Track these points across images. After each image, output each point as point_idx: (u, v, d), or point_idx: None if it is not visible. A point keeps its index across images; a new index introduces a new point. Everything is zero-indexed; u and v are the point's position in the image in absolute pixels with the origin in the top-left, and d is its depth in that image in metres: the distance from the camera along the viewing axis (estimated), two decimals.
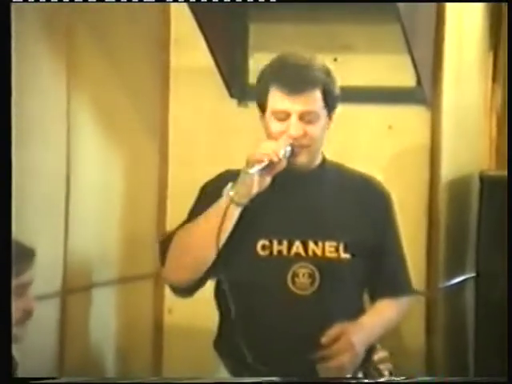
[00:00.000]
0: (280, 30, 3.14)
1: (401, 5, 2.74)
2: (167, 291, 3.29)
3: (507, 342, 2.20)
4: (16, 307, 1.99)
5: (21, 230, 2.31)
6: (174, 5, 3.19)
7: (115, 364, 3.17)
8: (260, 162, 2.16)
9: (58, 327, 2.86)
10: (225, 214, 2.18)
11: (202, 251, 2.21)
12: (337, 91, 2.29)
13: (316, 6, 3.06)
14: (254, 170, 2.16)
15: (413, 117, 3.06)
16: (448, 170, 3.11)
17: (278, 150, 2.19)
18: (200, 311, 2.91)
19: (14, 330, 1.84)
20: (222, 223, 2.17)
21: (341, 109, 3.07)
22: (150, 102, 3.29)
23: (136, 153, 3.22)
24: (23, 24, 2.53)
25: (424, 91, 3.01)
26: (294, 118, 2.22)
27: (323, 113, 2.26)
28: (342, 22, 3.07)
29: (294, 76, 2.23)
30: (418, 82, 3.02)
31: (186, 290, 2.32)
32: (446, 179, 3.09)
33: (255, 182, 2.19)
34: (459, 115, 3.22)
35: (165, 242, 2.34)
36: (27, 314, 2.02)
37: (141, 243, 3.26)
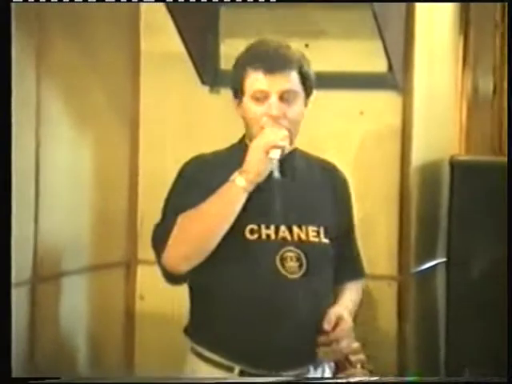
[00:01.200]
0: (251, 16, 3.13)
1: None
2: (139, 277, 3.30)
3: (507, 342, 2.20)
4: None
5: None
6: None
7: (87, 352, 3.15)
8: (278, 147, 2.16)
9: (28, 315, 2.85)
10: (237, 202, 2.17)
11: (208, 238, 2.18)
12: (312, 75, 2.28)
13: None
14: (277, 154, 2.15)
15: (384, 102, 3.07)
16: (419, 155, 3.12)
17: (286, 136, 2.19)
18: (171, 297, 2.91)
19: None
20: (233, 210, 2.17)
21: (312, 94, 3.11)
22: (120, 87, 3.27)
23: (107, 138, 3.21)
24: None
25: (395, 77, 3.02)
26: (273, 98, 2.20)
27: (302, 95, 2.25)
28: (313, 7, 3.07)
29: (271, 55, 2.21)
30: (390, 67, 3.02)
31: (182, 277, 2.27)
32: (416, 164, 3.11)
33: (266, 168, 2.18)
34: (430, 100, 3.23)
35: (159, 229, 2.28)
36: None
37: (112, 229, 3.25)
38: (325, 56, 3.06)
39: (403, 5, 3.00)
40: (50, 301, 2.97)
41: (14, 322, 2.73)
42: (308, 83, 2.26)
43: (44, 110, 2.86)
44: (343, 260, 2.35)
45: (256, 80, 2.21)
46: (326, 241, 2.28)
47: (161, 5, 3.01)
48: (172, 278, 2.27)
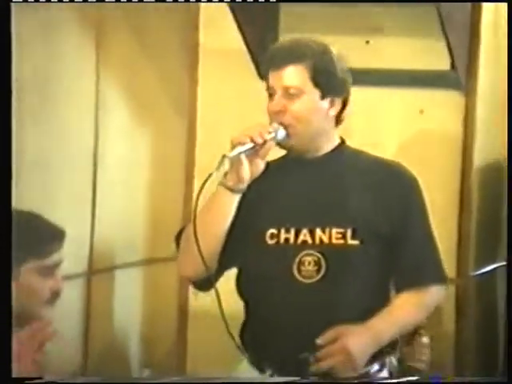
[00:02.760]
0: (311, 12, 3.10)
1: None
2: None
3: (507, 342, 2.15)
4: (44, 287, 1.98)
5: (49, 209, 2.30)
6: None
7: (139, 345, 3.16)
8: (242, 144, 2.11)
9: (83, 307, 2.86)
10: (218, 202, 2.15)
11: (204, 242, 2.15)
12: (336, 74, 2.20)
13: None
14: (234, 152, 2.11)
15: (446, 101, 3.02)
16: (480, 156, 3.06)
17: (263, 132, 2.13)
18: (224, 295, 2.89)
19: (43, 311, 1.83)
20: (222, 213, 2.15)
21: (372, 92, 3.06)
22: (178, 82, 3.27)
23: (164, 133, 3.21)
24: None
25: (458, 75, 2.96)
26: (277, 94, 2.18)
27: (312, 91, 2.18)
28: (375, 4, 3.02)
29: (279, 52, 2.20)
30: (453, 65, 2.96)
31: (203, 284, 2.26)
32: (478, 165, 3.05)
33: (244, 166, 2.14)
34: (494, 101, 3.16)
35: (178, 235, 2.29)
36: (55, 295, 2.01)
37: (167, 225, 3.24)
38: (386, 53, 3.02)
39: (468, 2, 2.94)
40: (104, 294, 2.98)
41: (69, 314, 2.76)
42: (324, 80, 2.19)
43: (102, 104, 2.87)
44: (397, 266, 2.26)
45: (268, 78, 2.21)
46: (354, 242, 2.20)
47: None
48: (193, 283, 2.30)
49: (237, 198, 2.18)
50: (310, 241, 2.19)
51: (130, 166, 3.06)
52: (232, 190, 2.17)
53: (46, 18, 2.57)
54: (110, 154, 2.92)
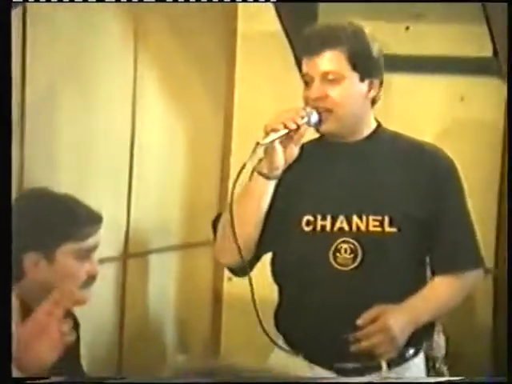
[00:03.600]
0: None
1: None
2: None
3: (507, 342, 2.12)
4: (81, 271, 1.98)
5: (87, 194, 2.30)
6: None
7: (174, 330, 3.16)
8: (275, 130, 2.10)
9: (118, 290, 2.87)
10: (253, 189, 2.14)
11: (241, 229, 2.15)
12: (372, 55, 2.18)
13: None
14: (267, 140, 2.09)
15: (487, 89, 2.97)
16: None
17: (296, 117, 2.11)
18: (260, 280, 2.88)
19: (79, 293, 1.83)
20: (258, 199, 2.13)
21: (412, 78, 3.02)
22: (216, 69, 3.25)
23: (200, 120, 3.20)
24: None
25: (500, 62, 2.90)
26: (316, 80, 2.15)
27: (351, 75, 2.16)
28: None
29: (313, 39, 2.17)
30: (495, 52, 2.91)
31: (239, 270, 2.27)
32: None
33: (278, 152, 2.13)
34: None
35: (215, 222, 2.30)
36: (91, 278, 2.01)
37: (202, 210, 3.24)
38: (426, 39, 2.99)
39: None
40: (140, 278, 2.98)
41: (104, 297, 2.76)
42: (362, 64, 2.16)
43: (140, 92, 2.86)
44: (435, 250, 2.24)
45: (303, 64, 2.19)
46: (392, 230, 2.18)
47: None
48: (230, 269, 2.32)
49: (272, 184, 2.17)
50: (346, 228, 2.18)
51: (166, 152, 3.06)
52: (267, 177, 2.16)
53: (83, 11, 2.57)
54: (146, 140, 2.92)
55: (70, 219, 1.98)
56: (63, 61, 2.55)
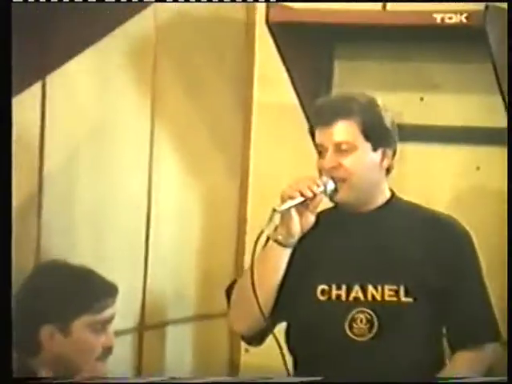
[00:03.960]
0: (366, 68, 3.10)
1: (492, 43, 2.68)
2: None
3: (507, 341, 2.10)
4: (97, 343, 1.97)
5: (103, 264, 2.31)
6: (259, 41, 3.18)
7: None
8: (292, 198, 2.11)
9: (134, 363, 2.85)
10: (269, 256, 2.15)
11: (257, 299, 2.14)
12: (385, 125, 2.20)
13: (403, 44, 3.03)
14: (284, 207, 2.10)
15: (503, 159, 2.97)
16: None
17: (312, 185, 2.13)
18: (277, 351, 2.85)
19: (96, 367, 1.82)
20: (273, 268, 2.13)
21: (427, 149, 3.04)
22: (231, 138, 3.28)
23: (216, 188, 3.21)
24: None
25: None
26: (329, 151, 2.17)
27: (364, 145, 2.18)
28: (429, 60, 3.02)
29: (326, 109, 2.20)
30: (510, 122, 2.92)
31: (254, 338, 2.27)
32: None
33: (294, 220, 2.13)
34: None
35: (229, 289, 2.30)
36: (107, 351, 2.00)
37: (218, 280, 3.23)
38: (441, 110, 3.01)
39: None
40: (156, 349, 2.96)
41: (121, 369, 2.74)
42: (375, 134, 2.18)
43: (156, 160, 2.89)
44: (451, 324, 2.24)
45: (316, 135, 2.21)
46: (407, 300, 2.18)
47: (276, 56, 3.01)
48: (244, 338, 2.30)
49: (288, 252, 2.17)
50: (362, 297, 2.17)
51: (181, 220, 3.07)
52: (283, 245, 2.16)
53: (102, 66, 2.61)
54: (162, 209, 2.93)
55: (86, 292, 1.98)
56: (81, 125, 2.59)
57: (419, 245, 2.22)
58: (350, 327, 2.17)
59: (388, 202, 2.25)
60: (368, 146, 2.18)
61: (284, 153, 3.27)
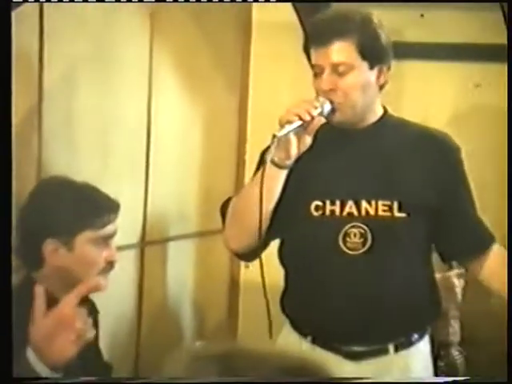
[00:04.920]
0: None
1: None
2: None
3: (507, 342, 2.13)
4: (99, 258, 2.01)
5: (105, 180, 2.33)
6: None
7: (191, 317, 3.19)
8: (290, 122, 2.10)
9: (136, 278, 2.89)
10: (266, 178, 2.14)
11: (251, 216, 2.17)
12: (380, 43, 2.18)
13: None
14: (283, 132, 2.10)
15: (503, 75, 2.95)
16: None
17: (310, 108, 2.12)
18: (277, 266, 2.89)
19: (99, 280, 1.86)
20: (262, 187, 2.13)
21: (427, 66, 3.03)
22: (231, 56, 3.27)
23: (216, 107, 3.21)
24: None
25: None
26: (326, 72, 2.15)
27: (361, 65, 2.16)
28: None
29: (322, 29, 2.17)
30: (510, 39, 2.90)
31: (248, 255, 2.29)
32: None
33: (293, 143, 2.14)
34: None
35: (223, 208, 2.33)
36: (110, 265, 2.04)
37: (219, 198, 3.25)
38: (441, 27, 2.98)
39: None
40: (157, 265, 3.01)
41: (123, 284, 2.79)
42: (372, 53, 2.17)
43: (156, 78, 2.88)
44: (449, 236, 2.27)
45: (312, 55, 2.19)
46: (400, 215, 2.20)
47: None
48: (238, 255, 2.33)
49: (284, 173, 2.19)
50: (355, 213, 2.20)
51: (182, 140, 3.08)
52: (279, 166, 2.17)
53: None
54: (163, 128, 2.94)
55: (89, 207, 2.00)
56: (81, 48, 2.57)
57: (412, 160, 2.24)
58: (344, 242, 2.19)
59: (381, 118, 2.25)
60: (365, 64, 2.17)
61: (283, 71, 3.25)
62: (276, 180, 2.18)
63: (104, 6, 2.60)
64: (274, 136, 2.09)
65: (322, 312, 2.23)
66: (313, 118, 2.13)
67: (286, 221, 2.24)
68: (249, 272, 3.28)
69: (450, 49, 2.98)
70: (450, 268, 2.79)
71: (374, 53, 2.17)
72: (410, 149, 2.25)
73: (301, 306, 2.27)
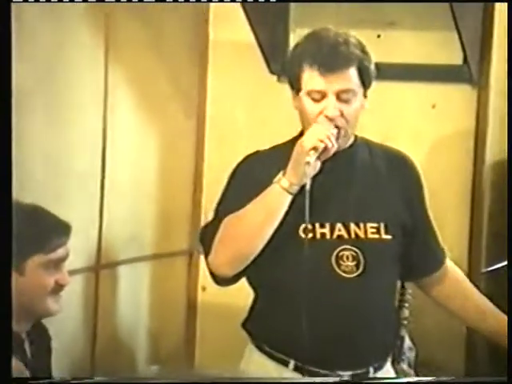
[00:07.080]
0: (322, 5, 3.07)
1: None
2: (201, 268, 3.27)
3: (507, 342, 2.14)
4: (50, 282, 1.97)
5: (58, 204, 2.29)
6: None
7: (146, 341, 3.15)
8: (316, 149, 2.07)
9: (91, 302, 2.85)
10: (273, 202, 2.12)
11: (252, 241, 2.13)
12: (372, 68, 2.19)
13: None
14: (313, 158, 2.06)
15: (458, 96, 2.98)
16: (493, 151, 3.02)
17: (330, 135, 2.10)
18: (233, 289, 2.87)
19: (49, 303, 1.81)
20: (276, 213, 2.11)
21: (384, 86, 3.03)
22: (188, 77, 3.25)
23: (173, 128, 3.19)
24: None
25: (471, 70, 2.92)
26: (331, 98, 2.12)
27: (360, 91, 2.16)
28: None
29: (328, 54, 2.12)
30: (465, 59, 2.93)
31: (230, 280, 2.24)
32: (490, 161, 3.01)
33: (310, 170, 2.09)
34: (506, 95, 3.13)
35: (207, 229, 2.25)
36: (60, 288, 2.00)
37: (176, 220, 3.23)
38: (397, 47, 3.01)
39: None
40: (112, 288, 2.96)
41: (77, 308, 2.74)
42: (367, 77, 2.17)
43: (112, 101, 2.85)
44: (419, 254, 2.28)
45: (312, 79, 2.14)
46: (387, 237, 2.20)
47: None
48: (220, 280, 2.24)
49: (290, 198, 2.12)
50: (345, 236, 2.18)
51: (138, 162, 3.05)
52: (289, 192, 2.12)
53: (55, 10, 2.56)
54: (118, 149, 2.90)
55: (38, 231, 1.96)
56: (34, 69, 2.54)
57: (389, 181, 2.24)
58: (338, 265, 2.17)
59: (355, 140, 2.24)
60: (362, 91, 2.17)
61: (240, 93, 3.25)
62: (282, 205, 2.12)
63: (57, 25, 2.57)
64: (308, 163, 2.05)
65: (309, 337, 2.13)
66: (333, 144, 2.10)
67: (274, 243, 2.18)
68: (206, 295, 3.26)
69: (406, 69, 2.99)
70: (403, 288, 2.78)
71: (368, 78, 2.18)
72: (384, 169, 2.26)
73: (280, 331, 2.20)
